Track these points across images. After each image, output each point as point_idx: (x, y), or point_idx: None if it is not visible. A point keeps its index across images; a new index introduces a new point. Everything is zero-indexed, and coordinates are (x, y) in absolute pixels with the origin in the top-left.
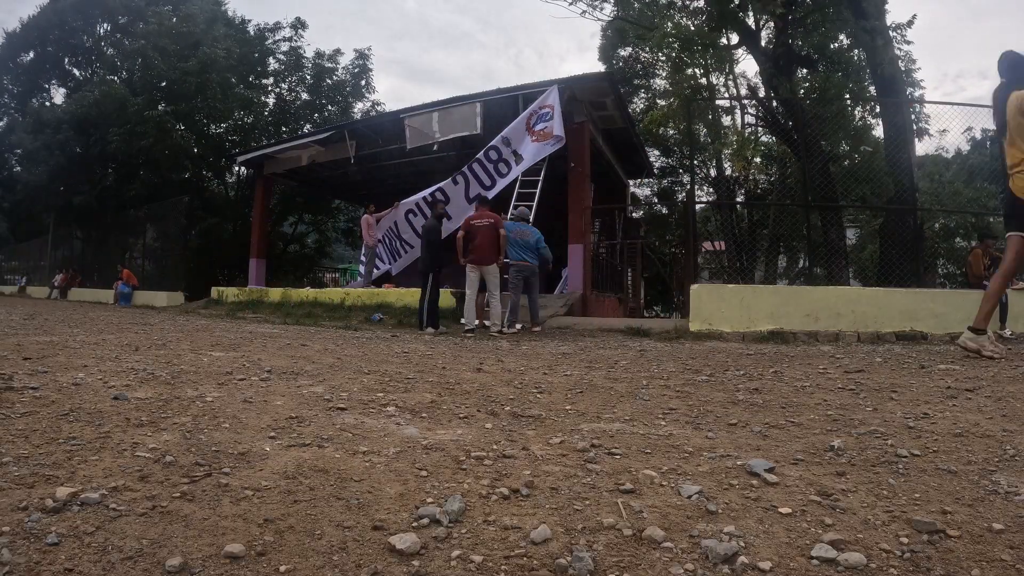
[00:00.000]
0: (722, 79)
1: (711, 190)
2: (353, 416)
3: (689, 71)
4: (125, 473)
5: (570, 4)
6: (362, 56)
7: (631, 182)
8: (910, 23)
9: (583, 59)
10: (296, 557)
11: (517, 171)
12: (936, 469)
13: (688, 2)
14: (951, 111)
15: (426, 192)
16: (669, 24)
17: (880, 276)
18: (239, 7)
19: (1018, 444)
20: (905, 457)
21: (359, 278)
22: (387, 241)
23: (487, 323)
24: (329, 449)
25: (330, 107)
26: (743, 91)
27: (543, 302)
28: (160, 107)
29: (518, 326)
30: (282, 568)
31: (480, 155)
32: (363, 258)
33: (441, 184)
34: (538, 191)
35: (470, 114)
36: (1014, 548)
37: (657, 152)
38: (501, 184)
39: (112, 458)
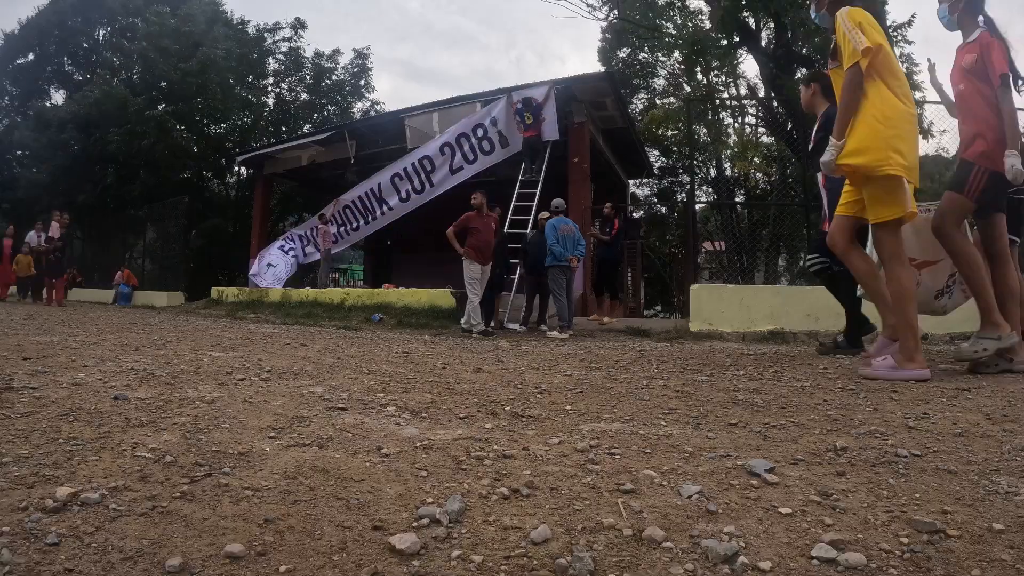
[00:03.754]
0: (722, 79)
1: (711, 190)
2: (353, 416)
3: (700, 76)
4: (125, 473)
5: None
6: (361, 56)
7: (631, 182)
8: (910, 23)
9: (583, 60)
10: (296, 557)
11: (500, 155)
12: (936, 469)
13: (688, 2)
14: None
15: (413, 158)
16: (672, 26)
17: None
18: (238, 7)
19: (1018, 444)
20: (905, 457)
21: (267, 271)
22: (355, 208)
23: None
24: (329, 449)
25: (330, 107)
26: (743, 91)
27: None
28: (160, 107)
29: (568, 332)
30: (282, 568)
31: (467, 129)
32: (289, 257)
33: (428, 152)
34: (538, 191)
35: (470, 114)
36: (1014, 548)
37: (657, 152)
38: (483, 162)
39: (112, 458)
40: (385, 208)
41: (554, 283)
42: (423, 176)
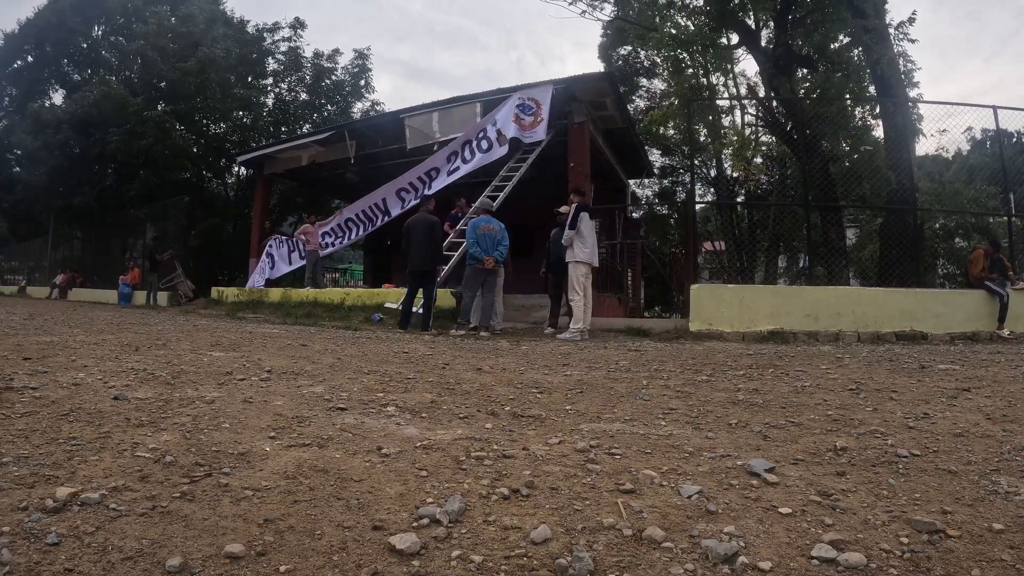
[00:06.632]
0: (722, 79)
1: (711, 190)
2: (353, 416)
3: (689, 71)
4: (125, 473)
5: (570, 4)
6: (361, 56)
7: (631, 182)
8: (911, 20)
9: (583, 60)
10: (296, 557)
11: (497, 153)
12: (936, 469)
13: (688, 1)
14: (951, 111)
15: (420, 171)
16: (669, 24)
17: (880, 276)
18: (238, 7)
19: (1018, 444)
20: (905, 457)
21: (261, 275)
22: (358, 219)
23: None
24: (329, 449)
25: (329, 107)
26: (743, 91)
27: (541, 302)
28: (160, 107)
29: (485, 332)
30: (282, 568)
31: (472, 135)
32: (276, 260)
33: (436, 164)
34: (509, 185)
35: (470, 114)
36: (1014, 548)
37: (657, 152)
38: (480, 160)
39: (112, 458)
40: (386, 218)
41: (465, 282)
42: (429, 184)
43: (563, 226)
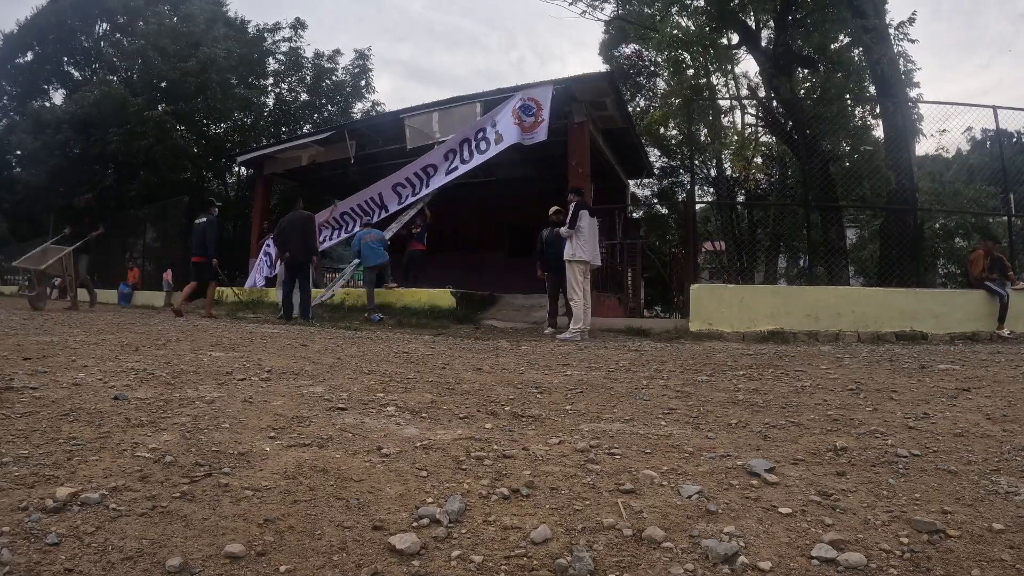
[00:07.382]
0: (722, 79)
1: (711, 190)
2: (353, 416)
3: (690, 72)
4: (125, 473)
5: (570, 3)
6: (362, 56)
7: (631, 182)
8: (911, 20)
9: (583, 60)
10: (296, 557)
11: (494, 151)
12: (936, 469)
13: (689, 1)
14: (951, 111)
15: (417, 167)
16: (669, 25)
17: (880, 276)
18: (238, 7)
19: (1018, 444)
20: (905, 457)
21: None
22: (354, 213)
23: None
24: (329, 449)
25: (330, 107)
26: (743, 91)
27: (540, 302)
28: (160, 107)
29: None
30: (282, 568)
31: (471, 134)
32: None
33: (433, 160)
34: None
35: (470, 114)
36: (1014, 548)
37: (657, 152)
38: (476, 160)
39: (112, 458)
40: (383, 213)
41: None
42: (426, 180)
43: (555, 226)
